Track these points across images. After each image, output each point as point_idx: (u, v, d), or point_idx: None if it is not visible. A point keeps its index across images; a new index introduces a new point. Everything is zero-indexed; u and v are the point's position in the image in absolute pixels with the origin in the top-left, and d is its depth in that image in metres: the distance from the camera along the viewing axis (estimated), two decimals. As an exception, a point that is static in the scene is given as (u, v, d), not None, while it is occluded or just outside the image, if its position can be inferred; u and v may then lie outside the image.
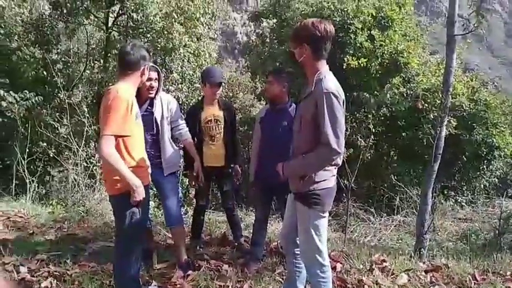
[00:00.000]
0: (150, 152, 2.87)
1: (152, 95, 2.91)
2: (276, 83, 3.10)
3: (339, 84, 2.13)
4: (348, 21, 8.94)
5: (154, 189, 3.18)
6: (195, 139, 3.35)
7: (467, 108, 8.33)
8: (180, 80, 7.92)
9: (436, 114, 5.02)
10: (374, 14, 9.00)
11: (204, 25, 8.47)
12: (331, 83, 2.07)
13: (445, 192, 8.41)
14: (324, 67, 2.14)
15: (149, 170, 2.46)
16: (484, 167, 9.02)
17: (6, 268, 2.95)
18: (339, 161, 2.13)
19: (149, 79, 2.78)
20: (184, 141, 3.19)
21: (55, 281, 2.81)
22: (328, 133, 1.99)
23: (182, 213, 4.75)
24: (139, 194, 2.17)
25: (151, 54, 2.41)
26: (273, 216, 5.18)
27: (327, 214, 2.24)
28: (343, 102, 2.09)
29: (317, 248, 2.20)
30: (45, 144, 6.22)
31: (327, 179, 2.16)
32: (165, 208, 3.02)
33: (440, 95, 4.79)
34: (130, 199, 2.17)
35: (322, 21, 2.11)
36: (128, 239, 2.31)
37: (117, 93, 2.15)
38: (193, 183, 3.38)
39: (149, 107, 2.93)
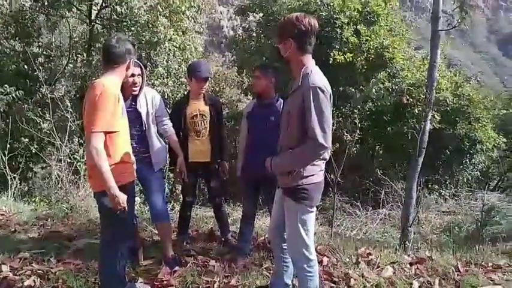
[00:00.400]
0: (136, 147, 2.83)
1: (136, 92, 2.85)
2: (263, 78, 3.08)
3: (326, 79, 2.13)
4: (334, 16, 8.98)
5: (140, 185, 3.12)
6: (181, 134, 3.30)
7: (450, 103, 8.47)
8: (166, 74, 7.83)
9: (420, 108, 5.09)
10: (360, 9, 9.06)
11: (190, 19, 8.38)
12: (317, 77, 2.07)
13: (429, 185, 8.56)
14: (309, 61, 2.13)
15: (134, 166, 2.43)
16: (467, 160, 9.22)
17: (-13, 267, 2.88)
18: (327, 155, 2.13)
19: (132, 75, 2.72)
20: (168, 136, 3.14)
21: (38, 279, 2.75)
22: (315, 128, 1.99)
23: (169, 209, 4.72)
24: (116, 199, 2.10)
25: (136, 48, 2.36)
26: (260, 211, 5.19)
27: (314, 209, 2.24)
28: (330, 97, 2.10)
29: (304, 242, 2.20)
30: (27, 139, 6.08)
31: (315, 173, 2.16)
32: (151, 204, 2.99)
33: (425, 90, 4.85)
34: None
35: (306, 15, 2.11)
36: (113, 236, 2.27)
37: (103, 88, 2.10)
38: (178, 179, 3.35)
39: (133, 103, 2.88)
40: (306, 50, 2.11)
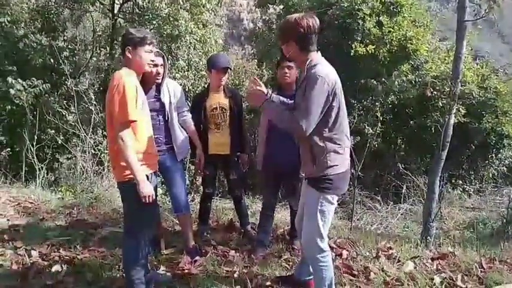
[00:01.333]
0: (159, 138, 2.86)
1: (159, 81, 2.88)
2: (294, 68, 3.03)
3: (333, 70, 2.13)
4: (356, 7, 8.81)
5: (161, 176, 3.17)
6: (201, 127, 3.34)
7: (476, 96, 8.20)
8: (186, 67, 7.90)
9: (445, 101, 4.95)
10: (382, 0, 8.84)
11: (210, 11, 8.41)
12: (321, 67, 2.08)
13: (453, 181, 8.36)
14: (314, 56, 2.14)
15: (157, 157, 2.47)
16: (493, 155, 8.94)
17: (18, 252, 3.01)
18: (348, 143, 2.14)
19: (155, 65, 2.75)
20: (187, 128, 3.16)
21: (65, 265, 2.86)
22: (302, 109, 2.02)
23: (189, 200, 4.80)
24: (144, 190, 2.16)
25: (154, 40, 2.38)
26: (279, 204, 5.20)
27: (335, 201, 2.24)
28: (334, 86, 2.07)
29: (319, 232, 2.21)
30: (53, 131, 6.29)
31: (340, 163, 2.16)
32: (173, 196, 3.03)
33: (450, 83, 4.73)
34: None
35: (304, 16, 2.10)
36: (136, 225, 2.33)
37: (123, 79, 2.14)
38: (198, 170, 3.39)
39: (156, 93, 2.91)
40: (308, 49, 2.13)
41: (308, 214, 2.25)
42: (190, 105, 3.43)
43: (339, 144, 2.17)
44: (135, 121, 2.18)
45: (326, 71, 2.08)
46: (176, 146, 2.98)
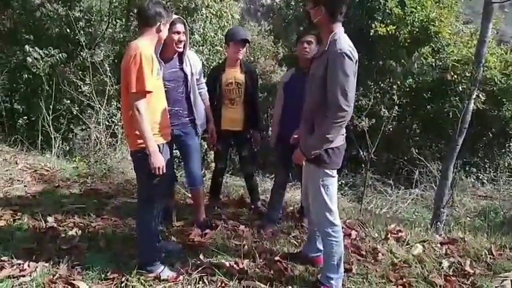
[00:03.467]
0: (179, 110, 2.84)
1: (181, 49, 2.77)
2: (314, 43, 2.95)
3: (353, 46, 2.10)
4: (379, -15, 8.52)
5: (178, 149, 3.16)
6: (215, 101, 3.31)
7: (498, 82, 7.96)
8: (202, 41, 7.81)
9: (465, 86, 4.83)
10: (407, -22, 8.51)
11: (228, -16, 8.23)
12: (344, 43, 2.05)
13: (467, 168, 8.24)
14: (339, 29, 2.12)
15: (169, 128, 2.47)
16: (510, 144, 8.75)
17: (35, 217, 3.10)
18: (348, 117, 2.10)
19: (177, 32, 2.68)
20: (203, 101, 3.13)
21: (80, 231, 2.94)
22: (335, 92, 2.00)
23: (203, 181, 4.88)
24: (155, 161, 2.18)
25: (170, 12, 2.35)
26: (290, 183, 5.22)
27: (335, 174, 2.27)
28: (356, 63, 2.08)
29: (327, 206, 2.24)
30: (68, 101, 6.34)
31: (335, 138, 2.16)
32: (188, 170, 3.02)
33: (471, 67, 4.59)
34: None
35: None
36: (149, 194, 2.37)
37: (139, 49, 2.13)
38: (211, 145, 3.41)
39: (179, 64, 2.83)
40: (336, 18, 2.10)
41: (312, 191, 2.29)
42: (205, 79, 3.40)
43: None
44: (150, 92, 2.18)
45: (349, 47, 2.05)
46: (198, 117, 2.95)
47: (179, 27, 2.70)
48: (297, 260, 2.68)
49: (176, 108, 2.80)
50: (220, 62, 3.54)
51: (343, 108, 2.01)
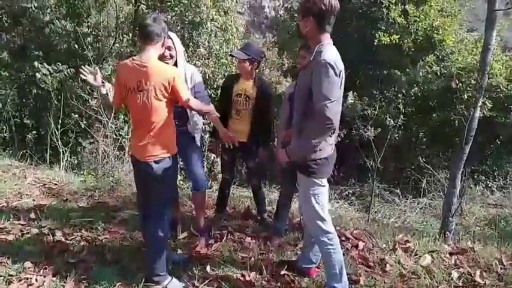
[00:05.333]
0: (176, 122, 2.89)
1: (168, 62, 2.80)
2: (308, 57, 3.00)
3: (339, 57, 2.16)
4: (381, -5, 8.57)
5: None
6: (226, 109, 3.35)
7: (504, 89, 7.89)
8: (207, 54, 7.90)
9: (470, 94, 4.81)
10: (409, -12, 8.57)
11: (232, -2, 8.35)
12: (329, 53, 2.10)
13: (475, 176, 8.15)
14: (326, 40, 2.17)
15: None
16: (520, 151, 8.64)
17: (43, 231, 3.13)
18: (333, 126, 2.13)
19: (168, 47, 2.73)
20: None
21: (87, 244, 2.96)
22: (320, 101, 2.03)
23: (208, 185, 4.89)
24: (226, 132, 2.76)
25: (170, 26, 2.43)
26: (297, 194, 5.20)
27: (325, 183, 2.31)
28: (341, 74, 2.13)
29: (318, 215, 2.27)
30: (76, 116, 6.43)
31: (323, 148, 2.20)
32: (192, 172, 3.05)
33: (476, 75, 4.58)
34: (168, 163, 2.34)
35: None
36: (162, 204, 2.44)
37: (172, 70, 2.36)
38: (217, 148, 3.45)
39: None
40: (324, 28, 2.16)
41: (304, 200, 2.33)
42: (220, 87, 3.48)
43: None
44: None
45: (334, 58, 2.09)
46: (190, 124, 2.99)
47: (168, 41, 2.73)
48: (290, 269, 2.68)
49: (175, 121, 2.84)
50: (232, 73, 3.59)
51: (328, 116, 2.04)
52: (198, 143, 3.12)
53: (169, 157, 2.37)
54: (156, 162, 2.33)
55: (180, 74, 2.93)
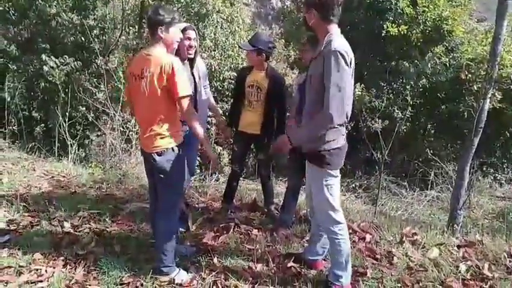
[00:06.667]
0: None
1: (191, 55, 2.87)
2: (311, 51, 3.00)
3: (348, 45, 2.15)
4: (389, -16, 8.44)
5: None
6: (237, 101, 3.45)
7: (515, 80, 7.77)
8: (213, 46, 7.87)
9: (480, 85, 4.73)
10: (418, -23, 8.42)
11: (238, -11, 8.29)
12: (339, 42, 2.10)
13: (484, 168, 8.07)
14: (334, 29, 2.17)
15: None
16: (529, 143, 8.53)
17: (52, 223, 3.17)
18: (345, 120, 2.14)
19: (188, 38, 2.78)
20: (208, 98, 3.27)
21: (96, 236, 2.99)
22: (330, 96, 2.02)
23: (214, 179, 4.92)
24: (212, 154, 2.48)
25: (178, 17, 2.40)
26: (303, 186, 5.20)
27: (338, 173, 2.30)
28: (351, 62, 2.12)
29: (330, 205, 2.27)
30: (84, 108, 6.47)
31: (336, 138, 2.20)
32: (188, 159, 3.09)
33: (486, 65, 4.50)
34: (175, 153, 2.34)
35: None
36: (174, 195, 2.45)
37: (170, 58, 2.26)
38: (225, 140, 3.48)
39: (189, 68, 2.91)
40: (329, 19, 2.16)
41: (316, 191, 2.32)
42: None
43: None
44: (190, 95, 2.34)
45: (345, 47, 2.09)
46: (200, 115, 2.99)
47: (191, 33, 2.81)
48: (297, 261, 2.69)
49: None
50: (245, 65, 3.61)
51: (333, 119, 2.03)
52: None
53: (172, 148, 2.34)
54: (158, 154, 2.33)
55: (197, 69, 2.95)
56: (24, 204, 3.48)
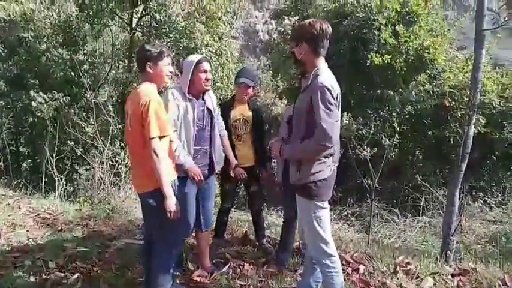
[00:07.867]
0: (207, 149, 2.80)
1: (208, 88, 2.76)
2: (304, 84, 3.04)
3: (335, 79, 2.22)
4: (372, 17, 8.76)
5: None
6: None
7: (497, 105, 7.99)
8: (202, 79, 7.96)
9: (463, 112, 4.85)
10: (398, 9, 8.77)
11: (226, 24, 8.51)
12: (326, 77, 2.16)
13: (473, 193, 8.12)
14: (321, 63, 2.23)
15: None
16: (516, 166, 8.65)
17: (36, 263, 3.06)
18: (333, 151, 2.21)
19: (204, 71, 2.68)
20: (223, 137, 3.09)
21: (82, 276, 2.89)
22: (320, 127, 2.07)
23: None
24: (171, 205, 2.22)
25: (167, 50, 2.39)
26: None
27: (326, 205, 2.30)
28: (338, 96, 2.18)
29: (322, 238, 2.25)
30: (72, 143, 6.41)
31: (322, 170, 2.21)
32: (204, 210, 2.92)
33: (468, 92, 4.63)
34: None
35: (318, 20, 2.23)
36: (165, 238, 2.35)
37: (148, 96, 2.20)
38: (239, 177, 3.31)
39: (204, 101, 2.79)
40: (319, 52, 2.22)
41: (305, 224, 2.31)
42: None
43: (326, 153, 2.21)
44: (167, 136, 2.27)
45: (330, 82, 2.14)
46: (215, 156, 2.87)
47: (206, 65, 2.71)
48: None
49: (205, 147, 2.79)
50: (232, 96, 3.59)
51: (325, 145, 2.09)
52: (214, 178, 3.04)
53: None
54: (148, 194, 2.27)
55: (211, 101, 2.84)
56: (8, 243, 3.37)
